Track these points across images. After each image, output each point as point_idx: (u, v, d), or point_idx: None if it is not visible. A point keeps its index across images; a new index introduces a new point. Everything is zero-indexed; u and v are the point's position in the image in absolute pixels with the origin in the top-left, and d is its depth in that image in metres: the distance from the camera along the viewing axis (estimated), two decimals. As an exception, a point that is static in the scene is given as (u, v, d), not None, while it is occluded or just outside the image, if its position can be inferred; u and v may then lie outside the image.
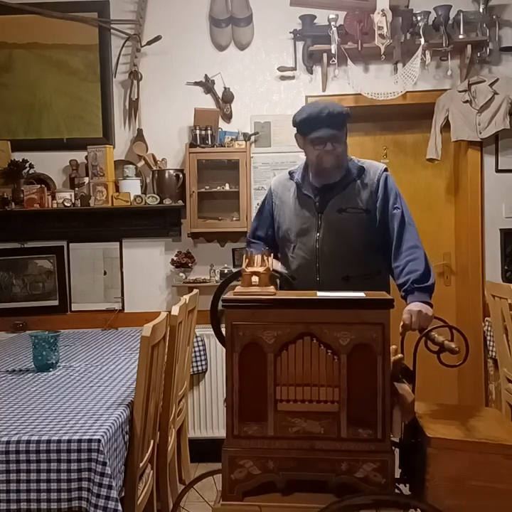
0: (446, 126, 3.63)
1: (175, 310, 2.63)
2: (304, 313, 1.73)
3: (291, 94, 3.75)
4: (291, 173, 2.45)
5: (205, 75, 3.74)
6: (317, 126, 2.25)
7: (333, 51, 3.53)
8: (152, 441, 2.38)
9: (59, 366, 2.68)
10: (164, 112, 3.77)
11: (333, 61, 3.57)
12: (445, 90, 3.66)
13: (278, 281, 2.29)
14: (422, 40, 3.50)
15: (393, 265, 2.27)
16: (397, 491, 1.85)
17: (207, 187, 3.65)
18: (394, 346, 1.87)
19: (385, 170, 2.36)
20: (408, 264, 2.21)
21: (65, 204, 3.62)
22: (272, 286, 1.84)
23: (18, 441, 1.78)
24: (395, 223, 2.28)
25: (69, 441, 1.78)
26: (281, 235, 2.43)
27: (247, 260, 1.88)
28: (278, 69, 3.73)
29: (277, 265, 2.33)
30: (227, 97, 3.74)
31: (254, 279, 1.83)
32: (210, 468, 2.08)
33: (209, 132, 3.61)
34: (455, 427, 1.81)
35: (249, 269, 1.84)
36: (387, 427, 1.71)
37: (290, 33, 3.69)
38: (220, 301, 1.99)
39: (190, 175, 3.59)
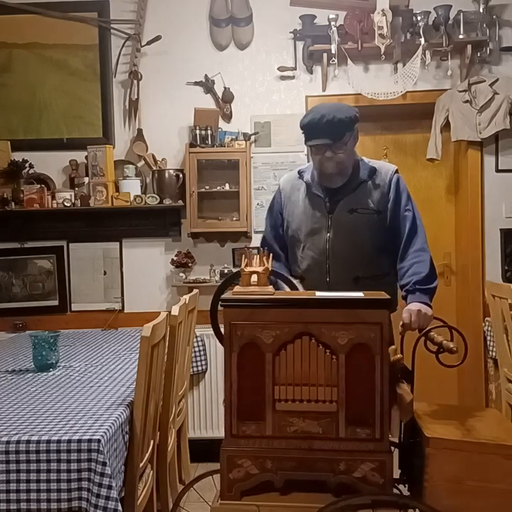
0: (446, 126, 3.63)
1: (175, 310, 2.64)
2: (302, 313, 1.73)
3: (291, 94, 3.75)
4: (300, 173, 2.42)
5: (205, 75, 3.74)
6: (315, 134, 2.23)
7: (333, 51, 3.53)
8: (152, 441, 2.38)
9: (59, 366, 2.68)
10: (164, 112, 3.77)
11: (333, 61, 3.57)
12: (445, 90, 3.66)
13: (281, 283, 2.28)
14: (422, 40, 3.50)
15: (398, 266, 2.27)
16: (396, 491, 1.85)
17: (207, 187, 3.65)
18: (393, 346, 1.87)
19: (396, 171, 2.34)
20: (413, 266, 2.21)
21: (65, 204, 3.63)
22: (270, 286, 1.84)
23: (18, 441, 1.78)
24: (406, 225, 2.27)
25: (69, 441, 1.78)
26: (290, 234, 2.40)
27: (246, 260, 1.88)
28: (278, 69, 3.73)
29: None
30: (227, 97, 3.74)
31: (253, 278, 1.83)
32: (210, 468, 2.08)
33: (209, 132, 3.62)
34: (454, 427, 1.81)
35: (248, 269, 1.84)
36: (385, 427, 1.71)
37: (290, 32, 3.70)
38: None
39: (190, 175, 3.59)
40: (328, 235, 2.29)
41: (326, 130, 2.19)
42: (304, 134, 2.29)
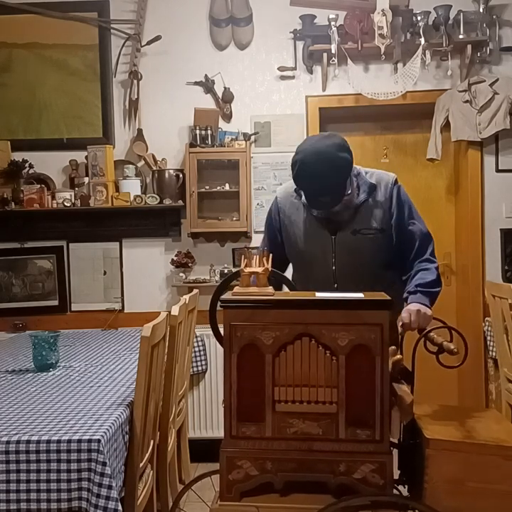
0: (446, 126, 3.63)
1: (175, 310, 2.64)
2: (302, 314, 1.72)
3: (291, 94, 3.75)
4: (298, 191, 2.31)
5: (205, 75, 3.74)
6: (317, 204, 2.17)
7: (333, 51, 3.53)
8: (152, 441, 2.38)
9: (59, 366, 2.69)
10: (164, 112, 3.77)
11: (333, 61, 3.57)
12: (445, 90, 3.66)
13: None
14: (422, 40, 3.50)
15: (404, 277, 2.25)
16: (395, 492, 1.85)
17: (207, 187, 3.65)
18: (393, 347, 1.87)
19: (396, 181, 2.27)
20: (418, 273, 2.19)
21: (65, 204, 3.63)
22: (270, 287, 1.83)
23: (18, 441, 1.79)
24: (412, 239, 2.24)
25: (69, 441, 1.78)
26: (294, 255, 2.35)
27: (245, 260, 1.87)
28: (278, 69, 3.73)
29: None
30: (227, 97, 3.74)
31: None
32: (209, 468, 2.08)
33: (209, 132, 3.62)
34: (454, 428, 1.81)
35: (248, 270, 1.84)
36: (385, 428, 1.71)
37: (290, 32, 3.70)
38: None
39: (190, 175, 3.59)
40: (333, 257, 2.24)
41: (327, 199, 2.13)
42: (304, 197, 2.21)
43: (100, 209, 3.65)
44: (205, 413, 3.65)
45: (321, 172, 2.08)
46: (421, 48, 3.50)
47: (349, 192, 2.17)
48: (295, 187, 2.31)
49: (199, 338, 3.57)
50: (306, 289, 2.25)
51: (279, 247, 2.35)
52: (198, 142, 3.61)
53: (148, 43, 3.70)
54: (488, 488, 1.69)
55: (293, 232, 2.32)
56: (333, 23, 3.53)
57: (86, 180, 3.69)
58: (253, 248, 3.49)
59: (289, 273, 2.41)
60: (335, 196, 2.14)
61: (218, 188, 3.65)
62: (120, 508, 1.78)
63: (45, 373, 2.58)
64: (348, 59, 3.57)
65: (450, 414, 2.05)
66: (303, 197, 2.29)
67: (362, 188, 2.24)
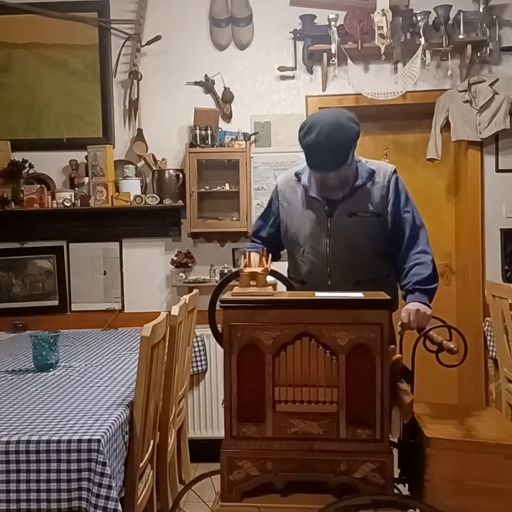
0: (446, 126, 3.63)
1: (175, 310, 2.64)
2: (302, 314, 1.72)
3: (291, 94, 3.75)
4: (297, 175, 2.35)
5: (205, 75, 3.74)
6: (318, 160, 2.16)
7: (333, 51, 3.53)
8: (152, 441, 2.38)
9: (59, 366, 2.68)
10: (164, 112, 3.77)
11: (333, 61, 3.57)
12: (445, 90, 3.66)
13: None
14: (422, 40, 3.50)
15: (400, 268, 2.25)
16: (396, 491, 1.85)
17: (207, 187, 3.65)
18: (392, 346, 1.87)
19: (395, 171, 2.30)
20: (414, 267, 2.19)
21: (65, 204, 3.63)
22: (270, 287, 1.83)
23: (18, 441, 1.78)
24: (406, 227, 2.25)
25: (69, 441, 1.78)
26: (289, 237, 2.36)
27: (245, 260, 1.88)
28: (278, 69, 3.73)
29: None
30: (227, 97, 3.74)
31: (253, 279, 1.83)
32: (209, 468, 2.09)
33: (209, 132, 3.62)
34: (454, 427, 1.81)
35: (248, 270, 1.84)
36: (385, 428, 1.71)
37: (290, 32, 3.70)
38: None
39: (190, 175, 3.59)
40: (328, 239, 2.26)
41: (329, 157, 2.12)
42: (305, 155, 2.19)
43: (100, 209, 3.65)
44: (205, 413, 3.65)
45: (328, 131, 2.11)
46: (421, 47, 3.50)
47: (350, 163, 2.17)
48: (295, 171, 2.37)
49: (199, 338, 3.57)
50: (299, 271, 2.31)
51: (271, 235, 2.42)
52: (198, 142, 3.61)
53: (148, 43, 3.70)
54: (489, 487, 1.69)
55: (290, 213, 2.35)
56: (333, 23, 3.53)
57: (86, 180, 3.69)
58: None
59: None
60: (337, 158, 2.13)
61: (218, 188, 3.65)
62: (120, 508, 1.78)
63: (45, 373, 2.58)
64: (348, 59, 3.57)
65: (450, 413, 2.05)
66: (302, 179, 2.33)
67: (361, 174, 2.28)
